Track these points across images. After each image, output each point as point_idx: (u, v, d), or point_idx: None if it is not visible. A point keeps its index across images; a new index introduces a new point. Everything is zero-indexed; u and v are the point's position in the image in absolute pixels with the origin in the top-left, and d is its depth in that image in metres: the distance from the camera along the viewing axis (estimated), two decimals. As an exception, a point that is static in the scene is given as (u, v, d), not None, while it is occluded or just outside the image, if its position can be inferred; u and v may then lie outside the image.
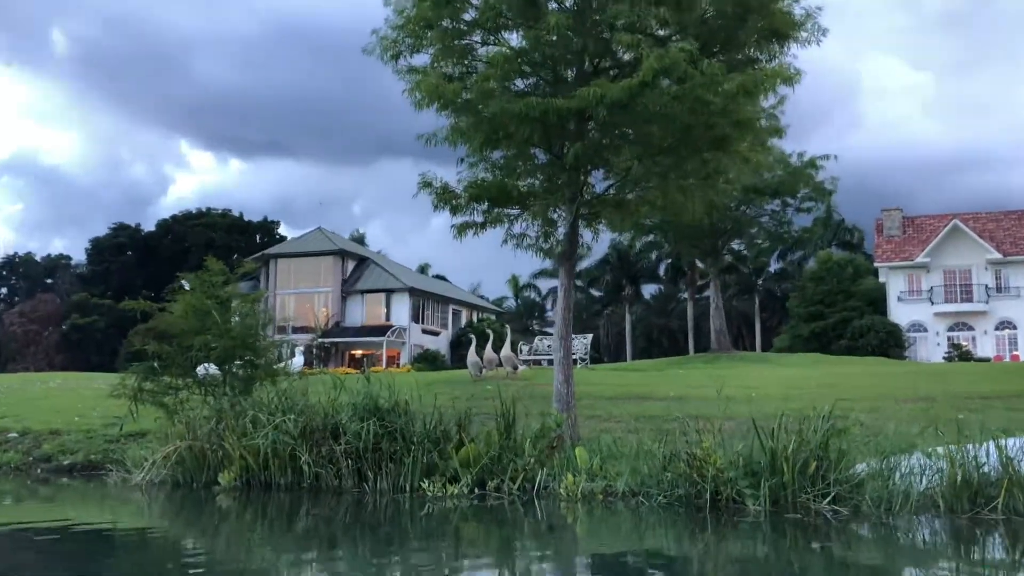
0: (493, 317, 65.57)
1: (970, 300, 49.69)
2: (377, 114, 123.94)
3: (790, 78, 11.04)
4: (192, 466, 10.76)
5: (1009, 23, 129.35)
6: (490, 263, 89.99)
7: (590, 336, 25.25)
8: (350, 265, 58.26)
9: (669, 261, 65.87)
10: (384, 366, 47.49)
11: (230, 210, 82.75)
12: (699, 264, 58.78)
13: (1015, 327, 48.95)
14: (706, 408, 12.77)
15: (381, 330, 54.12)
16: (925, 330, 49.87)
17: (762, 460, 8.47)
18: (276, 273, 55.90)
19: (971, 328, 49.46)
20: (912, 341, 48.61)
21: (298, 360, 16.80)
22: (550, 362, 27.18)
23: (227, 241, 74.45)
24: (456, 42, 11.82)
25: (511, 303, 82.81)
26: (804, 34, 11.31)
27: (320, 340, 48.57)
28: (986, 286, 49.58)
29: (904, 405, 12.88)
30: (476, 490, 9.58)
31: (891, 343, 45.57)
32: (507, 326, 21.94)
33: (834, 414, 8.70)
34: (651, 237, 39.35)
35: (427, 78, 11.35)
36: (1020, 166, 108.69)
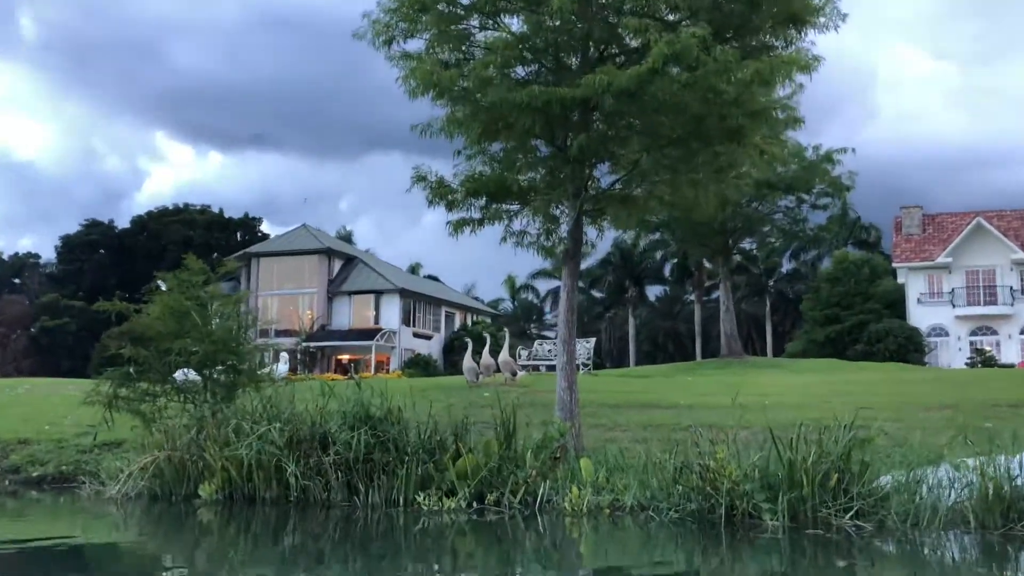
0: (488, 320, 65.62)
1: (994, 303, 49.74)
2: (366, 105, 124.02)
3: (807, 65, 11.01)
4: (171, 478, 10.69)
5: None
6: (485, 263, 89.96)
7: (593, 340, 25.22)
8: (337, 265, 58.23)
9: (675, 261, 65.88)
10: (373, 372, 47.47)
11: (209, 206, 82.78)
12: (707, 264, 58.90)
13: (1041, 331, 49.04)
14: (718, 416, 12.77)
15: (369, 334, 54.09)
16: (946, 334, 49.91)
17: (780, 472, 8.43)
18: (258, 273, 55.86)
19: (995, 332, 49.50)
20: (932, 346, 48.65)
21: (283, 366, 16.73)
22: (549, 368, 27.17)
23: (206, 239, 74.40)
24: (453, 27, 11.79)
25: (507, 305, 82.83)
26: (822, 19, 11.27)
27: (305, 344, 48.49)
28: (1011, 288, 49.62)
29: (928, 414, 12.86)
30: (474, 504, 9.53)
31: (910, 348, 45.58)
32: (505, 330, 21.89)
33: (856, 423, 8.66)
34: (657, 235, 39.21)
35: (422, 65, 11.31)
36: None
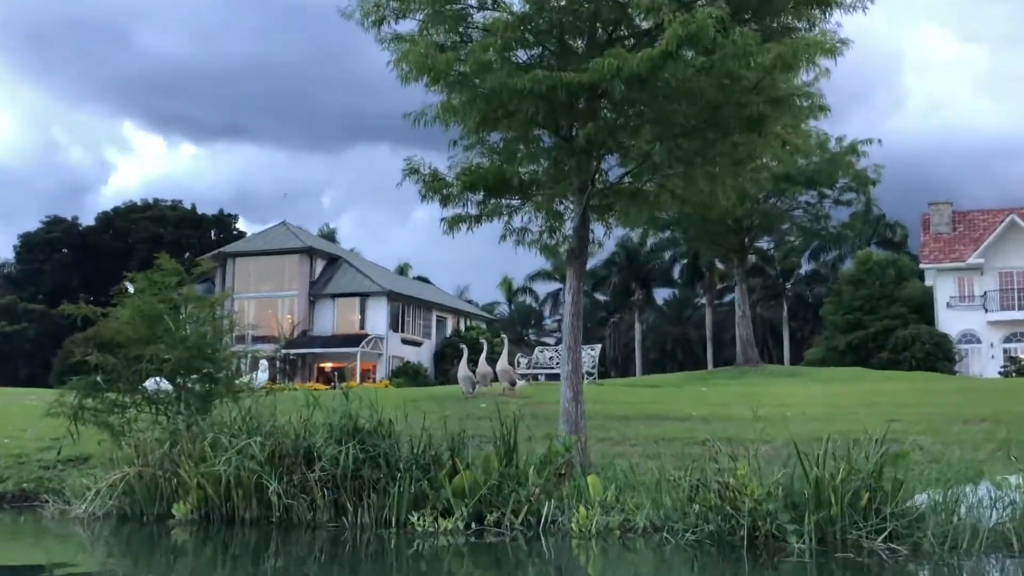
0: (483, 325, 65.56)
1: (1030, 307, 49.77)
2: (350, 92, 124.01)
3: (833, 49, 10.96)
4: (142, 496, 10.63)
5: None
6: (480, 263, 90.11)
7: (599, 347, 25.19)
8: (319, 265, 58.19)
9: (685, 262, 65.90)
10: (358, 381, 47.39)
11: (181, 202, 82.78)
12: (720, 265, 58.91)
13: (1080, 338, 49.10)
14: (735, 429, 12.72)
15: (355, 340, 54.05)
16: (978, 341, 49.92)
17: (806, 490, 8.38)
18: (234, 274, 55.80)
19: (1030, 339, 49.56)
20: (963, 354, 48.65)
21: (263, 374, 16.68)
22: (549, 377, 27.09)
23: (177, 237, 74.39)
24: (449, 6, 11.76)
25: (504, 309, 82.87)
26: (849, -1, 11.25)
27: (285, 351, 48.42)
28: (1048, 291, 49.69)
29: (965, 427, 12.83)
30: (473, 524, 9.48)
31: (939, 356, 45.58)
32: (504, 335, 21.85)
33: (887, 437, 8.62)
34: (667, 233, 39.11)
35: (415, 47, 11.26)
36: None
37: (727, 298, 78.89)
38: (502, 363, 18.89)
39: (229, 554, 9.11)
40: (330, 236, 76.17)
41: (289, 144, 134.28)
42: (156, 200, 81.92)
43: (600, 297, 76.83)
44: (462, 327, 62.78)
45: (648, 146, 11.42)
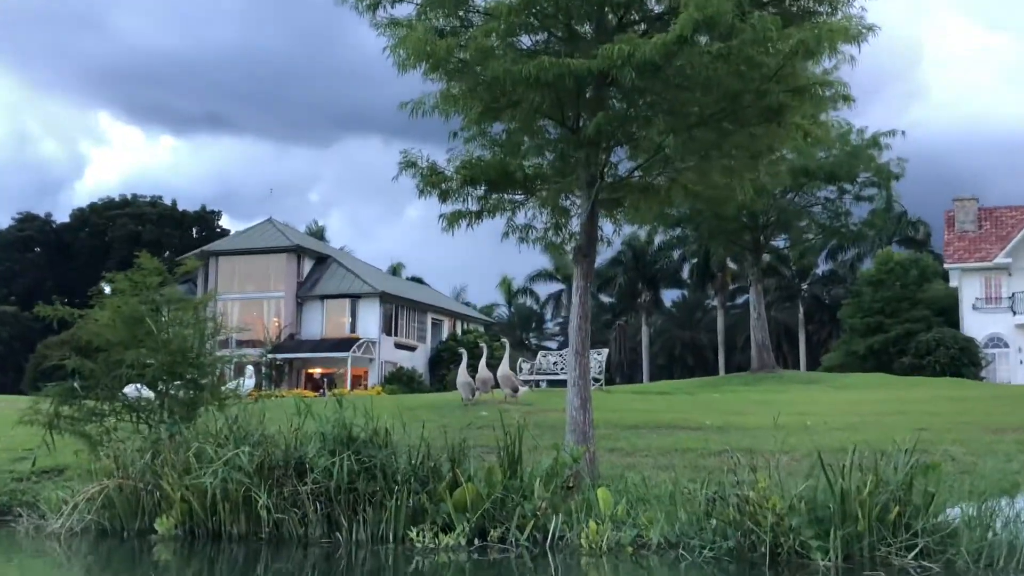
0: (481, 328, 65.55)
1: (1061, 309, 49.77)
2: (340, 81, 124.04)
3: (858, 35, 10.93)
4: (122, 510, 10.60)
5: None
6: (478, 263, 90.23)
7: (605, 352, 25.14)
8: (307, 265, 58.16)
9: (695, 261, 65.83)
10: (348, 388, 47.38)
11: (161, 197, 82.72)
12: (731, 265, 58.87)
13: (1114, 342, 49.10)
14: (753, 439, 12.74)
15: (345, 344, 54.00)
16: (1006, 345, 49.93)
17: (831, 504, 8.35)
18: (217, 274, 55.77)
19: (1061, 343, 49.55)
20: (990, 358, 48.64)
21: (249, 380, 16.66)
22: (550, 383, 27.06)
23: (157, 235, 74.37)
24: (449, -11, 11.70)
25: (503, 311, 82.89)
26: (873, -18, 11.23)
27: (271, 356, 48.41)
28: (1080, 292, 49.68)
29: (998, 436, 12.80)
30: (475, 541, 9.45)
31: (964, 361, 45.56)
32: (505, 340, 21.83)
33: (916, 447, 8.59)
34: (677, 231, 39.01)
35: (413, 33, 11.23)
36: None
37: (739, 300, 79.05)
38: (503, 369, 18.86)
39: (215, 572, 9.09)
40: (318, 234, 76.18)
41: (275, 136, 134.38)
42: (134, 196, 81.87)
43: (605, 299, 76.85)
44: (459, 331, 62.78)
45: (660, 138, 11.36)
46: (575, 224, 12.62)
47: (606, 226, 13.29)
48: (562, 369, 23.43)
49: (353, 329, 55.73)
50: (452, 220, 12.77)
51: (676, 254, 67.21)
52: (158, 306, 12.57)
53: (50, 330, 14.36)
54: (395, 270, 76.53)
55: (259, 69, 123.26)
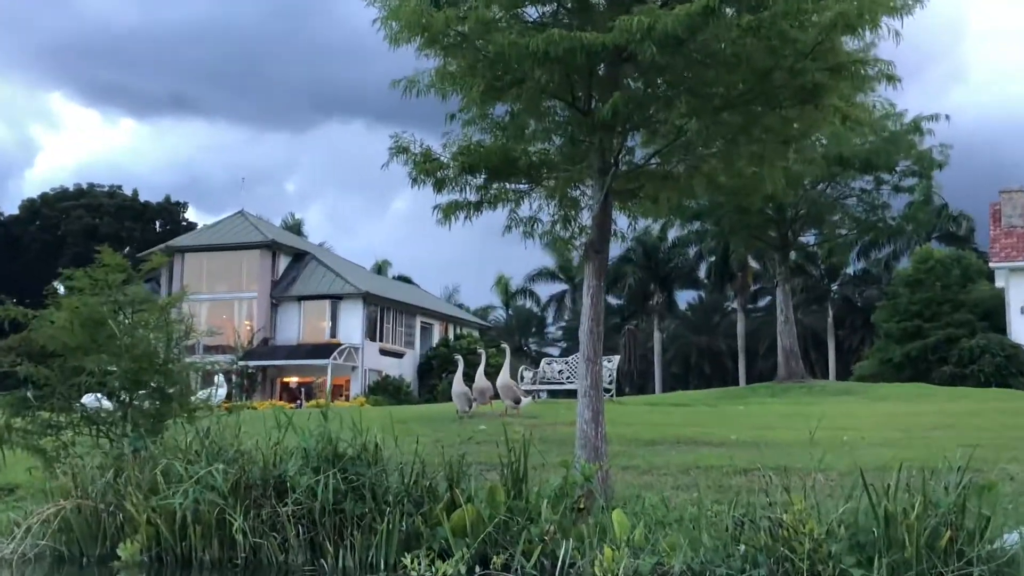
0: (476, 333, 65.66)
1: (1118, 312, 49.79)
2: (319, 59, 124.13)
3: (903, 7, 10.90)
4: (81, 534, 10.53)
5: None
6: (472, 261, 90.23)
7: (616, 359, 25.18)
8: (283, 262, 58.27)
9: (713, 259, 65.94)
10: (328, 398, 47.36)
11: (119, 187, 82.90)
12: (752, 264, 58.93)
13: None
14: (784, 456, 12.69)
15: (324, 350, 54.07)
16: (1057, 352, 49.92)
17: (874, 529, 8.29)
18: (182, 272, 55.82)
19: (1118, 349, 49.57)
20: (1040, 367, 48.68)
21: (221, 390, 16.63)
22: (552, 394, 27.05)
23: (116, 229, 74.47)
24: (446, -47, 11.66)
25: (499, 314, 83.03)
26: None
27: (243, 363, 48.39)
28: None
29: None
30: (476, 568, 9.37)
31: (1012, 370, 45.59)
32: (505, 345, 21.81)
33: (969, 465, 8.54)
34: (695, 225, 39.03)
35: (406, 3, 11.18)
36: None
37: (761, 302, 79.26)
38: (503, 378, 18.85)
39: (186, 603, 9.03)
40: (295, 228, 76.31)
41: (247, 120, 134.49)
42: (91, 185, 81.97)
43: (613, 300, 76.89)
44: (451, 335, 62.88)
45: (682, 120, 11.33)
46: (586, 217, 12.58)
47: (620, 219, 13.25)
48: (568, 378, 23.41)
49: (333, 333, 55.83)
50: (448, 212, 12.72)
51: (692, 251, 67.41)
52: (121, 307, 12.49)
53: (6, 331, 14.29)
54: (380, 268, 76.68)
55: (229, 45, 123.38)
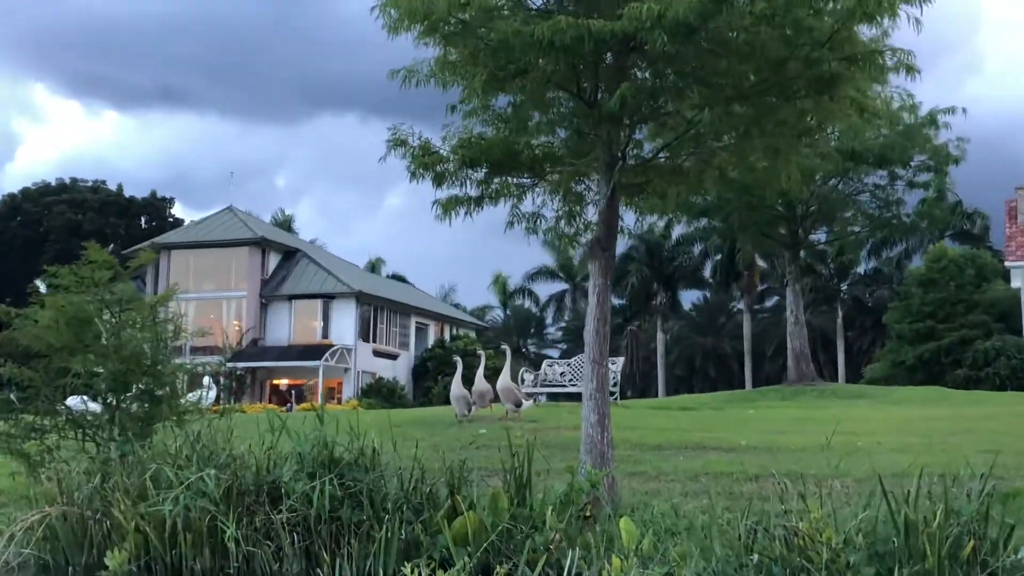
0: (473, 334, 65.61)
1: None
2: (311, 50, 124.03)
3: (925, -6, 10.84)
4: (67, 542, 10.48)
5: None
6: (468, 259, 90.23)
7: (620, 360, 25.10)
8: (273, 260, 58.18)
9: (719, 258, 65.89)
10: (320, 401, 47.30)
11: (104, 182, 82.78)
12: (760, 263, 58.87)
13: None
14: (796, 462, 12.72)
15: (316, 351, 53.99)
16: (1075, 354, 49.94)
17: (894, 538, 8.24)
18: (169, 270, 55.69)
19: None
20: (1058, 370, 48.70)
21: (211, 392, 16.59)
22: (551, 397, 26.98)
23: (100, 225, 74.36)
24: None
25: (497, 314, 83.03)
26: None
27: (231, 365, 48.32)
28: None
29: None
30: (479, 578, 9.33)
31: (1028, 373, 45.72)
32: (505, 346, 21.76)
33: (992, 472, 8.50)
34: (702, 222, 38.96)
35: (406, -11, 11.12)
36: None
37: (768, 302, 79.22)
38: (504, 380, 18.82)
39: (176, 614, 8.98)
40: (286, 224, 76.24)
41: (236, 113, 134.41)
42: (74, 180, 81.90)
43: (615, 300, 76.86)
44: (447, 336, 62.82)
45: (693, 112, 11.28)
46: (591, 213, 12.55)
47: (626, 216, 13.22)
48: (571, 380, 23.38)
49: (325, 334, 55.75)
50: (448, 207, 12.69)
51: (697, 249, 67.34)
52: (108, 305, 12.43)
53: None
54: (374, 267, 76.67)
55: (218, 35, 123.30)
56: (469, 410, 18.48)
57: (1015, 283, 51.43)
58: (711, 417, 21.28)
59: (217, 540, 9.90)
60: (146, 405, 12.37)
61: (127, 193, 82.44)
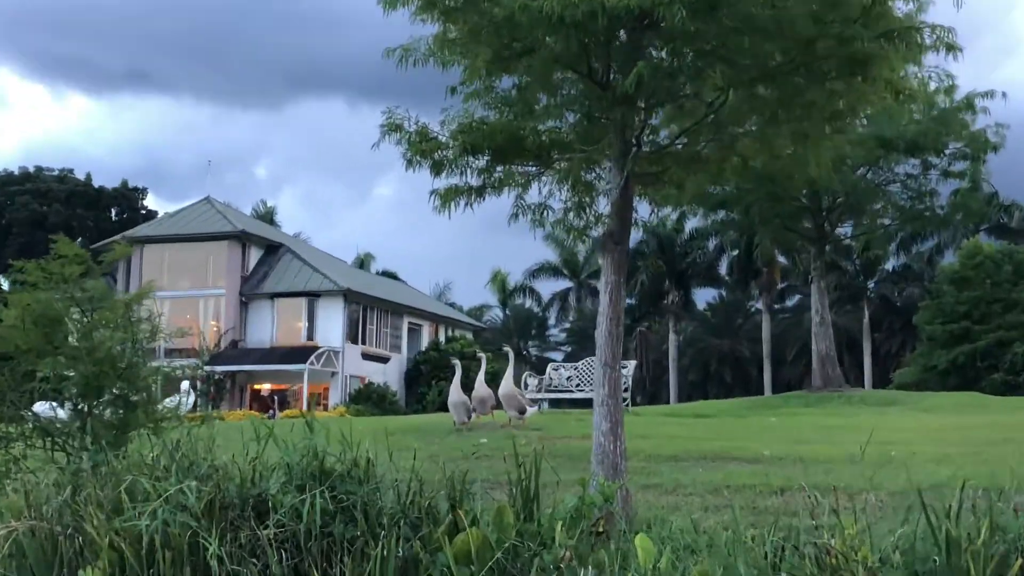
0: (470, 335, 65.61)
1: None
2: (294, 28, 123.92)
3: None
4: (35, 559, 10.40)
5: None
6: (464, 255, 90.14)
7: (632, 364, 25.15)
8: (254, 255, 58.22)
9: (735, 253, 65.95)
10: (304, 407, 47.33)
11: (71, 171, 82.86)
12: (780, 259, 58.85)
13: None
14: (825, 474, 12.72)
15: (300, 354, 54.01)
16: (1121, 358, 49.99)
17: (935, 556, 8.21)
18: (141, 265, 55.64)
19: None
20: (1102, 375, 48.77)
21: (191, 397, 16.56)
22: (553, 403, 26.96)
23: (66, 217, 74.46)
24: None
25: (496, 314, 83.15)
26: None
27: (209, 369, 48.32)
28: None
29: None
30: (482, 599, 9.31)
31: (1070, 378, 45.79)
32: (508, 349, 21.74)
33: (1041, 485, 8.49)
34: (720, 215, 38.89)
35: (403, -39, 11.13)
36: None
37: (789, 301, 79.31)
38: (507, 385, 18.81)
39: (154, 638, 8.95)
40: (268, 217, 76.34)
41: (213, 97, 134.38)
42: (38, 168, 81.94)
43: (623, 299, 77.08)
44: (442, 338, 62.84)
45: (714, 95, 11.25)
46: (603, 204, 12.54)
47: (640, 207, 13.20)
48: (578, 385, 23.38)
49: (310, 336, 55.79)
50: (447, 198, 12.66)
51: (711, 244, 67.40)
52: (79, 303, 12.39)
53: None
54: (363, 263, 76.74)
55: (194, 15, 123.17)
56: (469, 417, 18.47)
57: (1056, 281, 51.56)
58: (730, 425, 21.27)
59: (199, 558, 9.85)
60: (120, 411, 12.30)
61: (96, 183, 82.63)
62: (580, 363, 24.44)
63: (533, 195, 12.87)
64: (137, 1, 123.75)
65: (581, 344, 74.79)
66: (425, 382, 56.04)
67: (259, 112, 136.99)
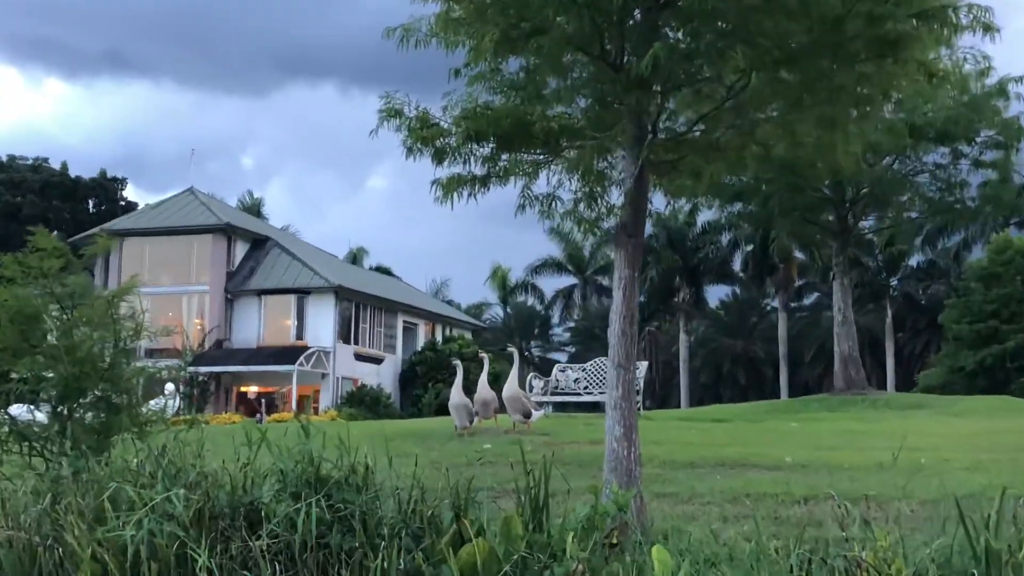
0: (468, 334, 65.62)
1: None
2: (283, 9, 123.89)
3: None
4: (14, 571, 10.41)
5: None
6: (462, 249, 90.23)
7: (644, 365, 25.16)
8: (240, 250, 58.19)
9: (750, 248, 65.92)
10: (293, 411, 47.35)
11: (46, 160, 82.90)
12: (798, 254, 58.84)
13: None
14: (851, 482, 12.68)
15: (289, 354, 53.97)
16: None
17: (972, 569, 8.19)
18: (121, 260, 55.64)
19: None
20: None
21: (176, 399, 16.55)
22: (558, 407, 26.93)
23: (42, 209, 74.48)
24: None
25: (496, 312, 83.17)
26: None
27: (192, 370, 48.30)
28: None
29: None
30: (489, 615, 9.28)
31: (1103, 380, 45.84)
32: (513, 349, 21.77)
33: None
34: (736, 207, 38.77)
35: (404, -64, 11.10)
36: None
37: (807, 299, 79.39)
38: (511, 387, 18.79)
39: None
40: (254, 209, 76.41)
41: (197, 82, 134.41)
42: (12, 157, 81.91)
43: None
44: (439, 337, 62.85)
45: (734, 78, 11.20)
46: (615, 194, 12.50)
47: (656, 198, 13.17)
48: (586, 388, 23.37)
49: (300, 335, 55.78)
50: (449, 188, 12.61)
51: (725, 238, 67.38)
52: (58, 300, 12.38)
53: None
54: (355, 257, 76.86)
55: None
56: (471, 421, 18.45)
57: (1089, 278, 51.57)
58: (747, 430, 21.25)
59: (187, 570, 9.83)
60: (102, 415, 12.31)
61: (72, 173, 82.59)
62: (588, 364, 24.42)
63: (541, 185, 12.83)
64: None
65: (586, 344, 74.77)
66: (421, 384, 56.01)
67: (245, 98, 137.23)
